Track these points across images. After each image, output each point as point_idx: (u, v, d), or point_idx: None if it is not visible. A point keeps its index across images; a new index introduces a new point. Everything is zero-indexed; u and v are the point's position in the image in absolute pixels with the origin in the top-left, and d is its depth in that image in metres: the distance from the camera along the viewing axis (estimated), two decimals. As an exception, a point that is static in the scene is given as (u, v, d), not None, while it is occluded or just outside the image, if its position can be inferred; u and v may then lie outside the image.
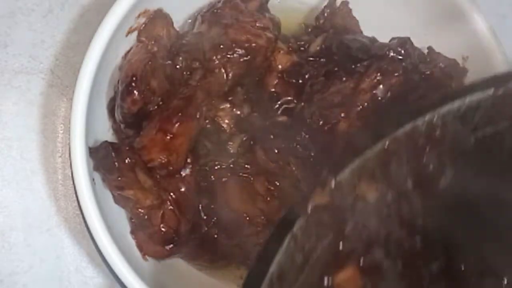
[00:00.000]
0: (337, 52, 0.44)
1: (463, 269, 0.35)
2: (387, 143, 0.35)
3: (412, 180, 0.35)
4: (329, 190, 0.34)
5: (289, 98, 0.43)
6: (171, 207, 0.42)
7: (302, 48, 0.46)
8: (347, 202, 0.34)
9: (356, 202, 0.35)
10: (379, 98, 0.41)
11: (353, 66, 0.43)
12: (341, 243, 0.34)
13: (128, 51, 0.43)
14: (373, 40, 0.46)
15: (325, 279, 0.34)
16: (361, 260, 0.34)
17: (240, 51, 0.42)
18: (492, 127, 0.36)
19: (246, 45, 0.42)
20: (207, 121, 0.42)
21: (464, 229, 0.35)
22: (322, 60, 0.44)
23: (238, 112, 0.43)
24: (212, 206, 0.42)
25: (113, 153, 0.41)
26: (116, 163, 0.40)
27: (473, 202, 0.35)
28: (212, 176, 0.42)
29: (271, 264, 0.33)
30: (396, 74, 0.41)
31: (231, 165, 0.42)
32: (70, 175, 0.41)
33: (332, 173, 0.34)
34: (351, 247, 0.34)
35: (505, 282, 0.34)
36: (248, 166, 0.42)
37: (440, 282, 0.35)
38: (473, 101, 0.35)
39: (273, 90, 0.44)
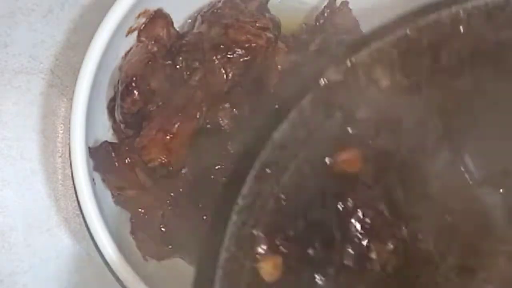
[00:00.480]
0: (337, 51, 0.44)
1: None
2: (408, 30, 0.34)
3: (428, 73, 0.35)
4: (344, 69, 0.34)
5: (289, 98, 0.43)
6: (171, 207, 0.42)
7: (300, 47, 0.46)
8: (360, 84, 0.34)
9: (369, 86, 0.34)
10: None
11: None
12: (348, 126, 0.34)
13: (128, 51, 0.43)
14: (373, 40, 0.46)
15: (326, 157, 0.34)
16: (366, 145, 0.34)
17: (240, 51, 0.42)
18: None
19: (246, 45, 0.42)
20: (207, 121, 0.42)
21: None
22: (324, 59, 0.44)
23: (238, 112, 0.43)
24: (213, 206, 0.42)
25: (113, 153, 0.41)
26: (116, 163, 0.41)
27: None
28: (212, 176, 0.42)
29: (275, 132, 0.33)
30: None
31: (231, 165, 0.42)
32: (70, 175, 0.41)
33: (349, 52, 0.34)
34: (357, 131, 0.34)
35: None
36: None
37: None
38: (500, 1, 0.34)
39: (273, 90, 0.44)
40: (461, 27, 0.35)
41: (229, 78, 0.42)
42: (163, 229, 0.42)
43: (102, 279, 0.45)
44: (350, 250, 0.33)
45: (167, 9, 0.44)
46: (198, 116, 0.41)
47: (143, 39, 0.43)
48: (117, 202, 0.43)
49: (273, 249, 0.33)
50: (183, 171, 0.42)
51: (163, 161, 0.41)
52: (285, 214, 0.33)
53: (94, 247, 0.42)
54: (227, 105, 0.43)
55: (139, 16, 0.43)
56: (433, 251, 0.34)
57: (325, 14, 0.47)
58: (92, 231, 0.39)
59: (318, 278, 0.33)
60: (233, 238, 0.32)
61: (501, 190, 0.34)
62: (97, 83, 0.41)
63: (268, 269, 0.33)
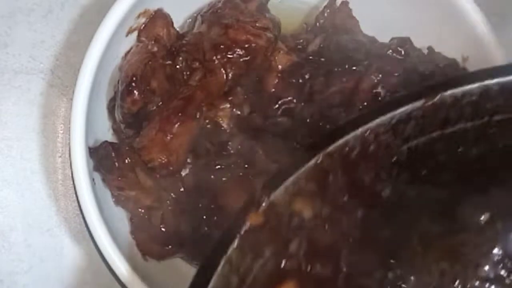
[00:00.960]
0: (334, 52, 0.44)
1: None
2: (319, 159, 0.35)
3: (348, 193, 0.35)
4: (263, 210, 0.34)
5: (289, 98, 0.43)
6: (171, 207, 0.42)
7: (300, 47, 0.46)
8: (283, 220, 0.34)
9: (292, 219, 0.34)
10: (379, 98, 0.41)
11: (347, 67, 0.43)
12: (280, 260, 0.34)
13: (128, 51, 0.43)
14: (373, 40, 0.46)
15: None
16: (303, 276, 0.34)
17: (240, 51, 0.42)
18: (423, 137, 0.36)
19: (246, 45, 0.42)
20: (207, 121, 0.42)
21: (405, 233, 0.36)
22: (322, 59, 0.44)
23: (238, 112, 0.43)
24: (212, 206, 0.42)
25: (113, 153, 0.41)
26: (116, 163, 0.41)
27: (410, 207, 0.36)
28: (212, 176, 0.42)
29: None
30: (396, 74, 0.41)
31: (231, 165, 0.42)
32: (70, 175, 0.41)
33: (266, 192, 0.34)
34: (290, 264, 0.34)
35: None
36: (248, 166, 0.42)
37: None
38: (404, 113, 0.35)
39: (273, 90, 0.44)
40: (370, 146, 0.35)
41: (229, 78, 0.42)
42: (163, 229, 0.42)
43: (102, 279, 0.45)
44: None
45: (167, 9, 0.44)
46: (198, 116, 0.41)
47: (143, 39, 0.43)
48: (117, 202, 0.43)
49: None
50: (183, 171, 0.42)
51: (163, 161, 0.41)
52: None
53: (94, 247, 0.42)
54: (227, 105, 0.43)
55: (139, 16, 0.43)
56: None
57: (325, 14, 0.47)
58: (92, 231, 0.39)
59: None
60: None
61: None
62: (97, 83, 0.41)
63: None
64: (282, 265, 0.34)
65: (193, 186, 0.42)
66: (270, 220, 0.34)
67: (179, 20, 0.46)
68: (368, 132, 0.35)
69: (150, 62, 0.42)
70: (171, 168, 0.41)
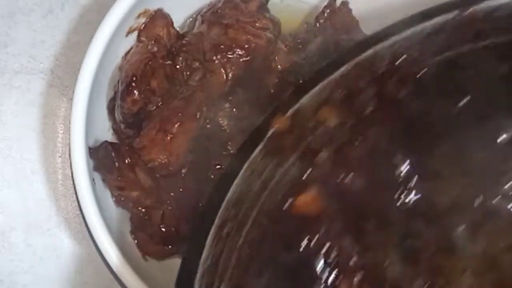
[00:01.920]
0: (334, 52, 0.44)
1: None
2: (348, 67, 0.34)
3: (375, 105, 0.35)
4: (290, 115, 0.34)
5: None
6: (171, 207, 0.42)
7: (300, 47, 0.46)
8: (308, 128, 0.34)
9: (318, 127, 0.34)
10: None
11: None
12: (303, 169, 0.34)
13: (128, 51, 0.43)
14: (373, 40, 0.46)
15: (285, 203, 0.34)
16: (325, 184, 0.34)
17: (240, 51, 0.42)
18: (454, 51, 0.35)
19: (246, 45, 0.42)
20: (207, 121, 0.42)
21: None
22: (323, 59, 0.44)
23: (238, 112, 0.43)
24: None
25: (113, 153, 0.41)
26: (116, 163, 0.40)
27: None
28: (212, 176, 0.42)
29: (229, 191, 0.33)
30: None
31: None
32: (70, 175, 0.41)
33: (293, 98, 0.34)
34: (314, 173, 0.34)
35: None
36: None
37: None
38: (437, 24, 0.35)
39: (273, 90, 0.44)
40: (400, 58, 0.35)
41: (229, 78, 0.42)
42: (163, 229, 0.42)
43: (102, 279, 0.45)
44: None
45: (167, 9, 0.44)
46: (198, 116, 0.41)
47: (143, 39, 0.43)
48: (117, 202, 0.43)
49: None
50: (183, 171, 0.42)
51: (163, 161, 0.41)
52: (249, 267, 0.33)
53: (94, 247, 0.42)
54: (227, 105, 0.43)
55: (139, 16, 0.43)
56: (400, 277, 0.34)
57: (325, 14, 0.47)
58: (92, 231, 0.39)
59: None
60: None
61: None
62: (97, 83, 0.41)
63: None
64: (306, 174, 0.34)
65: (193, 186, 0.42)
66: (296, 126, 0.34)
67: (179, 20, 0.46)
68: (398, 44, 0.35)
69: (150, 62, 0.42)
70: (171, 168, 0.41)
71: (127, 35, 0.43)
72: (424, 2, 0.47)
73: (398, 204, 0.34)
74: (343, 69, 0.34)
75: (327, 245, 0.33)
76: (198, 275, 0.32)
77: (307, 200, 0.34)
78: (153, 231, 0.42)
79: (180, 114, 0.41)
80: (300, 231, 0.33)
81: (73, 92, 0.40)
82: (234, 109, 0.43)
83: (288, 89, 0.37)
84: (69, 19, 0.48)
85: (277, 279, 0.33)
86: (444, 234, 0.34)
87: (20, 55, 0.47)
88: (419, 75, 0.35)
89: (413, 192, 0.34)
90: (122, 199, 0.42)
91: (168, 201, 0.42)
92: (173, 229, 0.42)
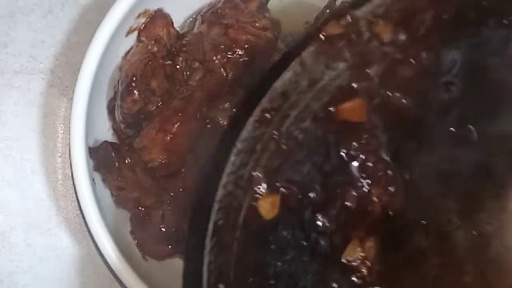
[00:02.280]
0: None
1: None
2: None
3: (428, 28, 0.35)
4: (345, 23, 0.35)
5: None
6: (171, 207, 0.42)
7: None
8: (362, 38, 0.35)
9: (372, 40, 0.35)
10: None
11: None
12: (353, 77, 0.35)
13: (128, 51, 0.43)
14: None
15: (330, 105, 0.35)
16: (372, 96, 0.35)
17: (240, 52, 0.42)
18: None
19: (246, 45, 0.42)
20: (207, 121, 0.42)
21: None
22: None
23: (238, 112, 0.43)
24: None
25: (113, 153, 0.41)
26: (116, 163, 0.40)
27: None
28: (212, 176, 0.42)
29: (275, 82, 0.34)
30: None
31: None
32: (70, 175, 0.41)
33: (351, 6, 0.35)
34: (362, 83, 0.35)
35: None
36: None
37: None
38: None
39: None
40: None
41: (229, 78, 0.42)
42: (163, 229, 0.42)
43: (102, 279, 0.45)
44: (352, 192, 0.34)
45: (167, 9, 0.44)
46: (198, 116, 0.41)
47: (143, 39, 0.43)
48: (117, 202, 0.43)
49: (272, 189, 0.34)
50: (183, 171, 0.42)
51: (163, 161, 0.41)
52: (285, 158, 0.34)
53: (94, 247, 0.42)
54: (227, 105, 0.43)
55: (139, 16, 0.43)
56: (434, 195, 0.35)
57: (325, 14, 0.47)
58: (92, 231, 0.39)
59: (318, 218, 0.34)
60: (231, 176, 0.34)
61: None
62: (97, 83, 0.41)
63: (267, 207, 0.34)
64: (355, 82, 0.35)
65: (193, 186, 0.42)
66: (348, 34, 0.35)
67: (179, 20, 0.46)
68: None
69: (150, 62, 0.42)
70: (171, 168, 0.41)
71: (127, 35, 0.43)
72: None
73: (443, 127, 0.35)
74: None
75: (364, 154, 0.34)
76: (235, 151, 0.34)
77: (353, 107, 0.35)
78: (153, 231, 0.42)
79: (180, 114, 0.41)
80: (340, 135, 0.34)
81: (73, 92, 0.40)
82: (234, 109, 0.43)
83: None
84: (69, 19, 0.48)
85: (312, 176, 0.34)
86: (484, 163, 0.35)
87: (20, 55, 0.47)
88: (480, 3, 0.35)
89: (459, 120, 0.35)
90: (122, 199, 0.42)
91: (168, 201, 0.42)
92: (173, 229, 0.42)
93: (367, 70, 0.35)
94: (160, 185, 0.42)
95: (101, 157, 0.41)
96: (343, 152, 0.34)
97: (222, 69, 0.42)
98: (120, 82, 0.42)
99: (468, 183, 0.35)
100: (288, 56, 0.35)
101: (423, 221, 0.34)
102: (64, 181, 0.46)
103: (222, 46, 0.42)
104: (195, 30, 0.44)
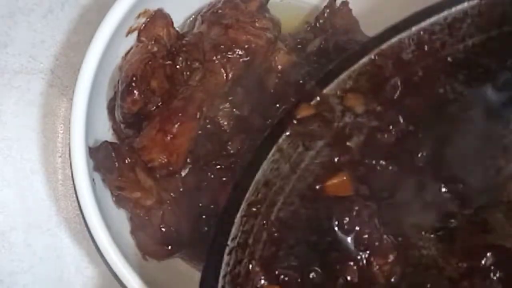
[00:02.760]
0: (334, 52, 0.44)
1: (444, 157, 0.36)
2: (372, 56, 0.35)
3: (402, 91, 0.36)
4: (315, 103, 0.35)
5: (289, 98, 0.43)
6: (171, 207, 0.42)
7: (299, 47, 0.46)
8: (335, 114, 0.35)
9: (345, 114, 0.36)
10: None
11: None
12: (334, 153, 0.35)
13: (128, 51, 0.43)
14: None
15: (317, 185, 0.35)
16: (356, 167, 0.35)
17: (240, 52, 0.42)
18: (480, 36, 0.36)
19: (246, 45, 0.42)
20: (207, 121, 0.42)
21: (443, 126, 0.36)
22: (322, 59, 0.44)
23: (238, 112, 0.43)
24: (212, 206, 0.42)
25: (113, 153, 0.41)
26: (116, 163, 0.40)
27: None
28: (212, 176, 0.42)
29: (257, 173, 0.34)
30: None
31: (231, 165, 0.42)
32: (70, 175, 0.41)
33: (318, 86, 0.35)
34: (345, 157, 0.35)
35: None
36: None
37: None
38: (460, 11, 0.36)
39: (273, 90, 0.44)
40: (425, 45, 0.36)
41: (229, 78, 0.42)
42: (163, 229, 0.42)
43: (102, 279, 0.45)
44: (352, 266, 0.34)
45: (167, 9, 0.44)
46: (198, 116, 0.41)
47: (143, 39, 0.43)
48: (117, 202, 0.42)
49: (272, 279, 0.34)
50: (183, 171, 0.42)
51: (163, 161, 0.41)
52: (279, 245, 0.34)
53: (94, 247, 0.42)
54: (227, 105, 0.43)
55: (139, 16, 0.43)
56: (436, 256, 0.35)
57: (325, 14, 0.47)
58: (92, 231, 0.39)
59: None
60: (227, 276, 0.33)
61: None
62: (97, 83, 0.41)
63: None
64: (337, 158, 0.35)
65: (193, 186, 0.42)
66: (322, 113, 0.35)
67: (179, 20, 0.46)
68: (422, 31, 0.36)
69: (150, 62, 0.42)
70: (171, 168, 0.41)
71: (127, 35, 0.43)
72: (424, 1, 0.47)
73: (432, 189, 0.35)
74: (366, 58, 0.36)
75: (358, 226, 0.34)
76: (227, 251, 0.33)
77: (339, 182, 0.35)
78: (153, 231, 0.42)
79: (180, 114, 0.41)
80: (331, 211, 0.35)
81: (73, 92, 0.40)
82: (234, 109, 0.43)
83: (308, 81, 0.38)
84: (69, 19, 0.48)
85: (309, 257, 0.34)
86: (478, 215, 0.35)
87: (20, 55, 0.47)
88: (448, 60, 0.36)
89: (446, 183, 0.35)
90: (122, 199, 0.42)
91: (168, 201, 0.42)
92: (173, 229, 0.42)
93: (347, 144, 0.36)
94: (160, 185, 0.42)
95: (101, 157, 0.41)
96: (337, 228, 0.34)
97: (222, 69, 0.42)
98: (120, 82, 0.42)
99: (467, 239, 0.35)
100: (265, 144, 0.35)
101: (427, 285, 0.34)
102: (64, 181, 0.46)
103: (222, 46, 0.42)
104: (195, 30, 0.44)
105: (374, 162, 0.35)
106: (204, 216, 0.42)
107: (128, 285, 0.39)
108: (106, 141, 0.41)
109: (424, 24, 0.36)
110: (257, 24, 0.43)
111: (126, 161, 0.41)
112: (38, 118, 0.47)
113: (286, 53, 0.44)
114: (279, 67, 0.44)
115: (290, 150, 0.35)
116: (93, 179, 0.40)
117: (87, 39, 0.41)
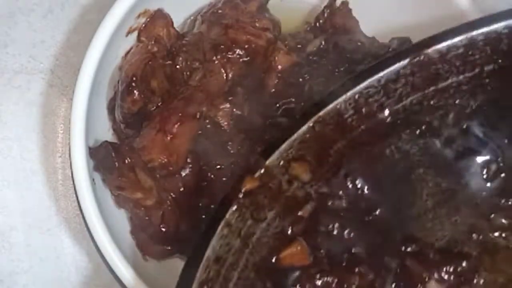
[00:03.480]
0: (334, 52, 0.44)
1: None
2: (311, 124, 0.36)
3: (345, 154, 0.36)
4: (259, 175, 0.35)
5: (289, 98, 0.43)
6: (171, 207, 0.42)
7: (299, 47, 0.46)
8: (282, 185, 0.35)
9: (292, 183, 0.36)
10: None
11: (347, 66, 0.43)
12: (285, 222, 0.35)
13: (128, 51, 0.43)
14: (373, 40, 0.46)
15: (272, 257, 0.35)
16: (309, 237, 0.35)
17: (240, 52, 0.42)
18: (417, 94, 0.37)
19: (246, 45, 0.42)
20: (207, 121, 0.42)
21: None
22: (322, 59, 0.44)
23: (238, 112, 0.43)
24: (212, 206, 0.42)
25: (113, 153, 0.40)
26: (116, 163, 0.40)
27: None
28: (212, 176, 0.42)
29: (206, 250, 0.34)
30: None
31: (231, 165, 0.42)
32: (70, 175, 0.41)
33: (261, 159, 0.35)
34: (297, 225, 0.35)
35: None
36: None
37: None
38: (391, 72, 0.36)
39: (273, 90, 0.44)
40: (363, 108, 0.36)
41: (229, 78, 0.42)
42: (163, 229, 0.42)
43: (102, 279, 0.45)
44: None
45: (167, 9, 0.44)
46: (198, 116, 0.41)
47: (143, 39, 0.43)
48: (117, 202, 0.42)
49: None
50: (183, 171, 0.42)
51: (163, 161, 0.41)
52: None
53: (94, 247, 0.42)
54: (227, 105, 0.43)
55: (139, 16, 0.43)
56: None
57: (325, 14, 0.47)
58: (92, 231, 0.39)
59: None
60: None
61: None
62: (97, 83, 0.41)
63: None
64: (289, 228, 0.35)
65: (193, 186, 0.42)
66: (267, 184, 0.35)
67: (179, 20, 0.46)
68: (357, 95, 0.36)
69: (150, 62, 0.42)
70: (171, 168, 0.41)
71: (127, 35, 0.43)
72: (424, 1, 0.47)
73: (390, 251, 0.35)
74: (305, 127, 0.36)
75: None
76: None
77: (294, 252, 0.35)
78: (153, 231, 0.42)
79: (180, 114, 0.41)
80: (290, 280, 0.34)
81: (73, 92, 0.40)
82: (234, 109, 0.43)
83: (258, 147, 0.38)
84: (69, 19, 0.48)
85: None
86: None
87: (20, 55, 0.47)
88: (389, 120, 0.37)
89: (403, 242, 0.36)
90: (122, 199, 0.42)
91: (168, 201, 0.42)
92: (173, 229, 0.42)
93: (298, 213, 0.35)
94: (160, 185, 0.42)
95: (101, 157, 0.41)
96: None
97: (222, 69, 0.42)
98: (120, 82, 0.42)
99: None
100: (212, 221, 0.35)
101: None
102: (64, 181, 0.46)
103: (222, 46, 0.42)
104: (195, 30, 0.44)
105: (329, 227, 0.35)
106: (204, 216, 0.42)
107: (128, 285, 0.39)
108: (106, 141, 0.41)
109: (358, 88, 0.36)
110: (257, 24, 0.43)
111: (126, 161, 0.41)
112: (38, 118, 0.47)
113: (286, 53, 0.44)
114: (279, 67, 0.44)
115: (239, 224, 0.35)
116: (93, 179, 0.40)
117: (87, 39, 0.41)
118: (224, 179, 0.42)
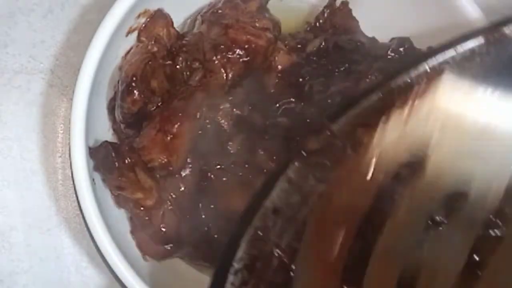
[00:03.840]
0: (334, 52, 0.44)
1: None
2: (380, 93, 0.36)
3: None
4: (324, 138, 0.36)
5: (289, 98, 0.43)
6: (171, 207, 0.42)
7: (299, 47, 0.46)
8: (344, 146, 0.36)
9: (355, 147, 0.36)
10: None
11: (347, 66, 0.43)
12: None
13: (128, 51, 0.43)
14: (373, 40, 0.46)
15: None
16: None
17: (240, 52, 0.42)
18: None
19: (246, 45, 0.42)
20: (207, 121, 0.42)
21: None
22: (322, 59, 0.44)
23: (238, 112, 0.43)
24: (212, 206, 0.42)
25: (113, 153, 0.41)
26: (116, 163, 0.40)
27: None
28: (212, 176, 0.42)
29: (266, 199, 0.34)
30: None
31: (231, 165, 0.42)
32: (70, 175, 0.41)
33: (329, 120, 0.36)
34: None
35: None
36: (248, 166, 0.42)
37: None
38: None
39: (273, 90, 0.44)
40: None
41: (229, 78, 0.42)
42: (163, 229, 0.42)
43: (102, 279, 0.45)
44: None
45: (167, 9, 0.44)
46: (198, 116, 0.41)
47: (143, 39, 0.43)
48: (117, 202, 0.43)
49: None
50: (183, 171, 0.42)
51: (163, 161, 0.41)
52: (288, 273, 0.34)
53: (94, 247, 0.42)
54: (227, 105, 0.43)
55: (139, 16, 0.43)
56: None
57: (325, 14, 0.47)
58: (92, 231, 0.39)
59: None
60: None
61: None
62: (97, 83, 0.41)
63: None
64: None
65: (193, 186, 0.42)
66: (330, 146, 0.36)
67: (179, 20, 0.46)
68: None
69: (150, 62, 0.42)
70: (171, 168, 0.41)
71: (127, 35, 0.43)
72: (424, 1, 0.47)
73: None
74: (374, 95, 0.36)
75: None
76: (232, 271, 0.33)
77: None
78: (153, 231, 0.42)
79: (180, 114, 0.41)
80: None
81: (73, 92, 0.40)
82: (234, 109, 0.43)
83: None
84: (69, 19, 0.48)
85: None
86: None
87: (20, 55, 0.47)
88: None
89: None
90: (122, 199, 0.42)
91: (168, 201, 0.42)
92: (173, 229, 0.42)
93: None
94: (160, 185, 0.42)
95: (101, 157, 0.41)
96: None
97: (222, 69, 0.42)
98: (120, 82, 0.42)
99: None
100: (272, 176, 0.35)
101: None
102: (64, 181, 0.46)
103: (222, 46, 0.42)
104: (195, 30, 0.44)
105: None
106: (204, 216, 0.42)
107: (128, 285, 0.39)
108: (106, 141, 0.41)
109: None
110: (257, 24, 0.43)
111: (126, 161, 0.41)
112: (38, 118, 0.47)
113: (286, 53, 0.44)
114: (279, 67, 0.44)
115: (299, 182, 0.35)
116: (93, 179, 0.40)
117: (87, 39, 0.41)
118: (224, 179, 0.42)
